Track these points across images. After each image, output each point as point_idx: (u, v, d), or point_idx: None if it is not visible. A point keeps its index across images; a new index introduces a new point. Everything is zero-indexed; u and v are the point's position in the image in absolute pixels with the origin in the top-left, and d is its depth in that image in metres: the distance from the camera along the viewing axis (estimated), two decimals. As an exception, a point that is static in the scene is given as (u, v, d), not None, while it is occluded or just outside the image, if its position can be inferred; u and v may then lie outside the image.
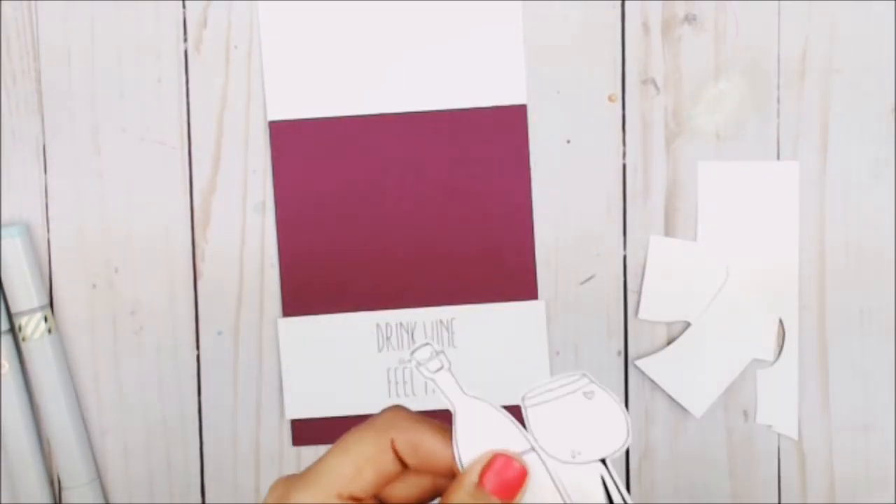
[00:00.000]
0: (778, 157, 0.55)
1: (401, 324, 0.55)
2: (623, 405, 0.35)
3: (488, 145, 0.55)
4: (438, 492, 0.36)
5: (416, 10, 0.55)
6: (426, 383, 0.36)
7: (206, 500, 0.56)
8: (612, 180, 0.55)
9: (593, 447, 0.35)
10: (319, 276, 0.55)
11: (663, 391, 0.55)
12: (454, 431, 0.35)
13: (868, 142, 0.54)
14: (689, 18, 0.54)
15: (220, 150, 0.56)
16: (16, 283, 0.54)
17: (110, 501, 0.57)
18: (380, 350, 0.55)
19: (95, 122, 0.56)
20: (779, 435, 0.55)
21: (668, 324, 0.55)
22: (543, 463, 0.35)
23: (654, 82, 0.55)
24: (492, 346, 0.55)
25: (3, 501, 0.56)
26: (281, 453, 0.56)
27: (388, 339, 0.55)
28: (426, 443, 0.35)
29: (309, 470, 0.35)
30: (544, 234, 0.55)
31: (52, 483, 0.56)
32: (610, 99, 0.55)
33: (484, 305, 0.55)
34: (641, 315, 0.55)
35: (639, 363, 0.55)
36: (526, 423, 0.36)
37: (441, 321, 0.55)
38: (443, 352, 0.37)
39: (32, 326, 0.54)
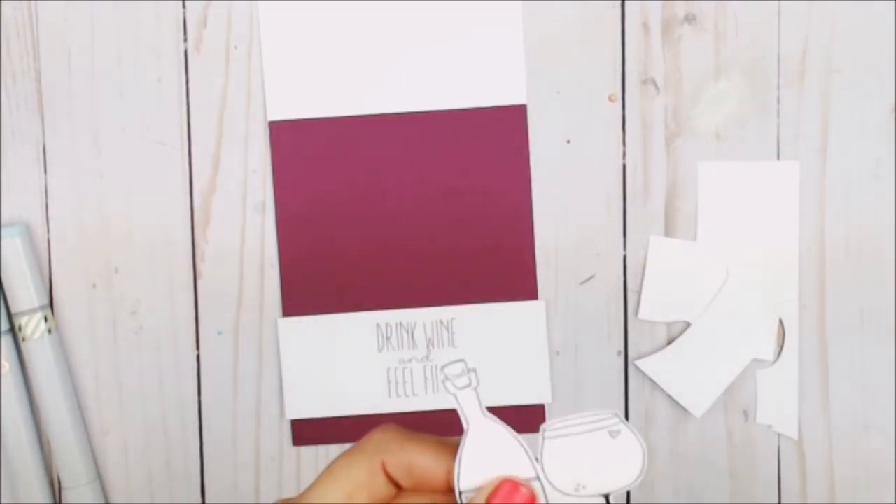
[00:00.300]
0: (778, 157, 0.55)
1: (401, 324, 0.55)
2: (644, 446, 0.35)
3: (488, 145, 0.55)
4: None
5: (416, 10, 0.55)
6: (449, 397, 0.36)
7: (206, 501, 0.56)
8: (612, 180, 0.55)
9: (600, 483, 0.35)
10: (319, 276, 0.55)
11: (663, 391, 0.55)
12: (461, 450, 0.35)
13: (868, 142, 0.54)
14: (689, 18, 0.54)
15: (220, 150, 0.56)
16: (16, 283, 0.54)
17: (110, 501, 0.57)
18: (380, 350, 0.55)
19: (95, 122, 0.56)
20: (779, 435, 0.55)
21: (668, 324, 0.55)
22: (544, 493, 0.35)
23: (654, 82, 0.55)
24: (492, 346, 0.55)
25: (3, 501, 0.56)
26: (281, 453, 0.56)
27: (388, 339, 0.55)
28: (419, 462, 0.34)
29: (300, 498, 0.34)
30: (544, 234, 0.55)
31: (52, 483, 0.56)
32: (610, 99, 0.55)
33: (484, 305, 0.55)
34: (641, 315, 0.55)
35: (639, 363, 0.55)
36: (539, 452, 0.36)
37: (441, 321, 0.55)
38: (475, 370, 0.36)
39: (32, 326, 0.54)
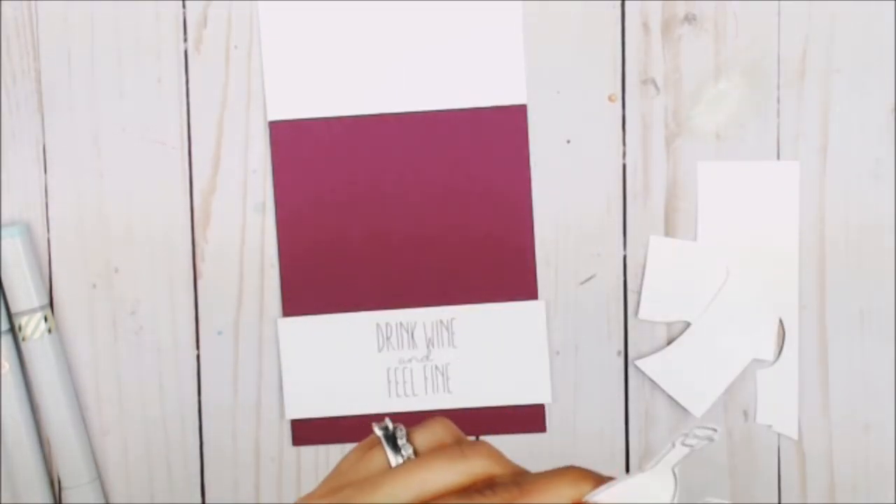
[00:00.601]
0: (778, 157, 0.55)
1: (401, 324, 0.55)
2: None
3: (488, 145, 0.55)
4: None
5: (416, 10, 0.55)
6: (683, 451, 0.36)
7: (206, 500, 0.56)
8: (612, 180, 0.55)
9: None
10: (319, 276, 0.55)
11: (663, 391, 0.55)
12: (628, 477, 0.35)
13: (868, 142, 0.54)
14: (689, 18, 0.54)
15: (220, 150, 0.56)
16: (16, 283, 0.54)
17: (110, 501, 0.57)
18: (380, 350, 0.55)
19: (95, 122, 0.56)
20: (779, 435, 0.55)
21: (668, 324, 0.55)
22: None
23: (654, 82, 0.55)
24: (492, 346, 0.55)
25: (3, 501, 0.56)
26: (281, 453, 0.56)
27: (388, 339, 0.55)
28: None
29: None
30: (544, 234, 0.55)
31: (52, 483, 0.56)
32: (610, 99, 0.55)
33: (484, 305, 0.55)
34: (641, 315, 0.55)
35: (639, 363, 0.55)
36: None
37: (441, 321, 0.55)
38: (711, 440, 0.35)
39: (32, 326, 0.54)
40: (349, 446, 0.56)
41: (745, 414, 0.55)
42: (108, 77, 0.55)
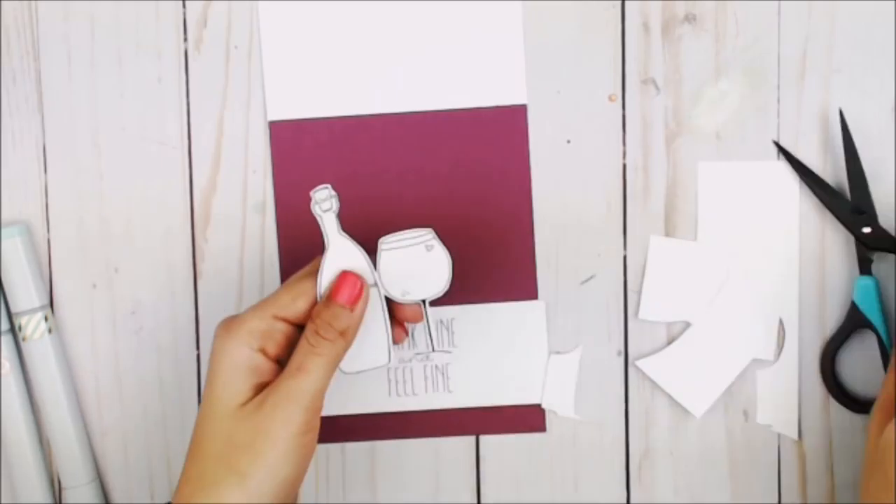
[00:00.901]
0: (778, 158, 0.55)
1: (401, 324, 0.55)
2: (451, 261, 0.48)
3: (488, 145, 0.55)
4: None
5: (416, 10, 0.55)
6: (326, 236, 0.47)
7: (206, 500, 0.56)
8: (612, 180, 0.55)
9: (420, 289, 0.47)
10: (319, 276, 0.55)
11: (663, 391, 0.55)
12: (322, 262, 0.47)
13: (868, 142, 0.54)
14: (689, 18, 0.54)
15: (220, 150, 0.56)
16: (16, 283, 0.54)
17: (110, 501, 0.57)
18: (380, 350, 0.55)
19: (95, 122, 0.56)
20: (779, 435, 0.55)
21: (668, 324, 0.55)
22: (381, 297, 0.47)
23: (654, 82, 0.55)
24: (492, 346, 0.55)
25: (3, 501, 0.56)
26: (281, 453, 0.56)
27: (388, 339, 0.55)
28: (280, 311, 0.47)
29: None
30: (544, 234, 0.55)
31: (52, 483, 0.56)
32: (610, 99, 0.55)
33: (484, 305, 0.55)
34: (641, 315, 0.55)
35: (639, 363, 0.55)
36: (377, 263, 0.47)
37: (441, 321, 0.55)
38: (336, 196, 0.47)
39: (32, 326, 0.54)
40: (349, 446, 0.56)
41: (745, 414, 0.55)
42: (108, 77, 0.55)
